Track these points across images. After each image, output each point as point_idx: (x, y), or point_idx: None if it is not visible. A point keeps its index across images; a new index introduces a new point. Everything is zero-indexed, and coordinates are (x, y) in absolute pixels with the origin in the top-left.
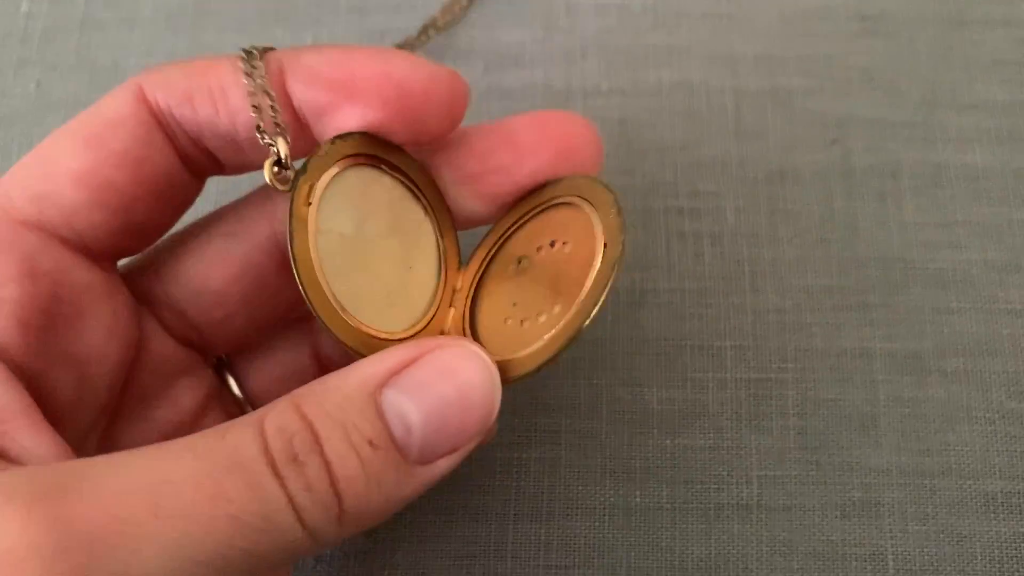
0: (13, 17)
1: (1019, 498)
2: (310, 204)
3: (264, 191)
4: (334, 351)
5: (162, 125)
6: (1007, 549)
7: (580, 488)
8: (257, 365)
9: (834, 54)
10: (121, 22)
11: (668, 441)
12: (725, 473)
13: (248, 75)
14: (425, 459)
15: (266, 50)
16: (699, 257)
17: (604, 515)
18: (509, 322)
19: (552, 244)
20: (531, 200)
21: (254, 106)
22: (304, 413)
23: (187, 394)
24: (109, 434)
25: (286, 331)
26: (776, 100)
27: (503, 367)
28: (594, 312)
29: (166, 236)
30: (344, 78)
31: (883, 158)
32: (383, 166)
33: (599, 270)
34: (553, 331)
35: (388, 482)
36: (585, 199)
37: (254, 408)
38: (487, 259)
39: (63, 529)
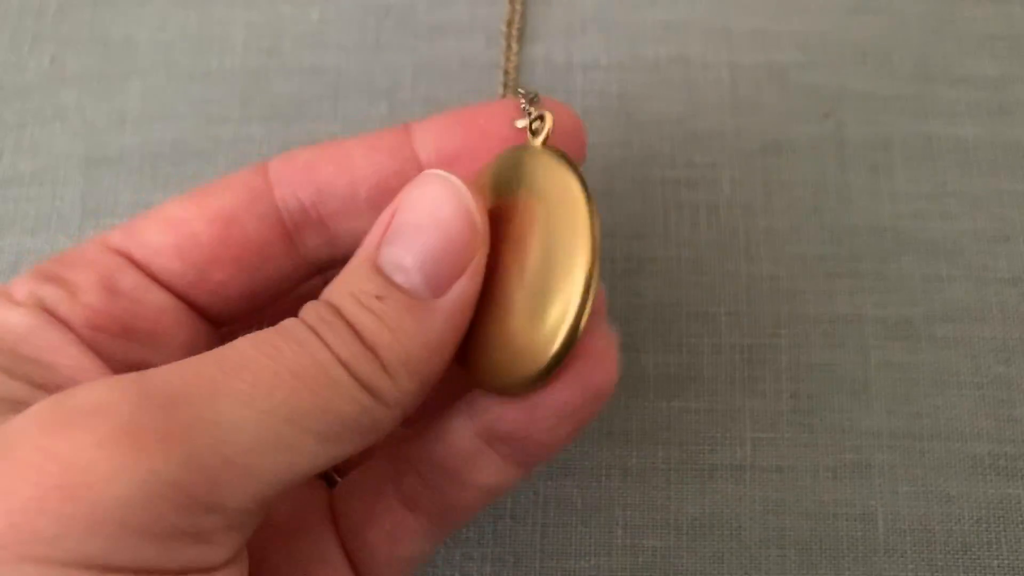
0: None
1: (1005, 460)
2: None
3: None
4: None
5: (277, 200)
6: (993, 510)
7: (577, 449)
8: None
9: (828, 29)
10: None
11: (664, 404)
12: (719, 435)
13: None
14: (437, 290)
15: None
16: (695, 226)
17: (601, 475)
18: None
19: None
20: None
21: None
22: (325, 299)
23: None
24: None
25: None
26: (771, 74)
27: None
28: None
29: None
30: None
31: (875, 130)
32: None
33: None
34: None
35: (411, 323)
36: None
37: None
38: None
39: (142, 388)
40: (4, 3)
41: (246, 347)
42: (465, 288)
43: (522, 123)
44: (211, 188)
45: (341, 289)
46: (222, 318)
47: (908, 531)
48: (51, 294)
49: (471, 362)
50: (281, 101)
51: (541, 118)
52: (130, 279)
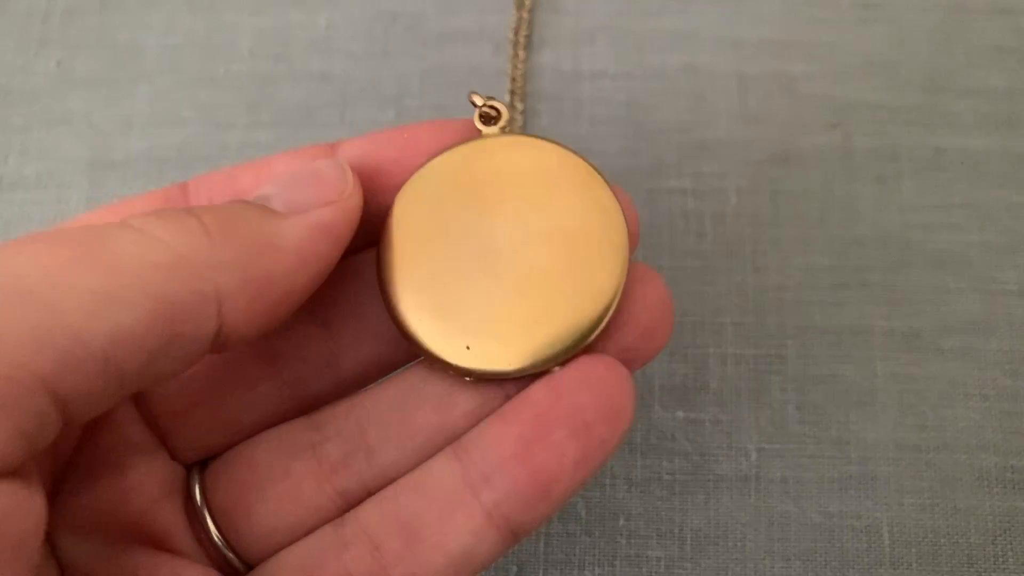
0: None
1: (1013, 473)
2: None
3: None
4: None
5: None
6: (1000, 523)
7: None
8: (230, 475)
9: (836, 40)
10: (141, 2)
11: (669, 414)
12: (725, 446)
13: None
14: (294, 209)
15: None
16: (702, 236)
17: (605, 485)
18: None
19: None
20: None
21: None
22: None
23: (139, 476)
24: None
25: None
26: (779, 84)
27: None
28: None
29: None
30: None
31: (883, 142)
32: None
33: None
34: None
35: (255, 216)
36: None
37: (212, 519)
38: None
39: None
40: (11, 7)
41: None
42: (324, 215)
43: (478, 100)
44: (129, 198)
45: None
46: None
47: (914, 544)
48: None
49: (485, 347)
50: (288, 107)
51: (495, 109)
52: None
